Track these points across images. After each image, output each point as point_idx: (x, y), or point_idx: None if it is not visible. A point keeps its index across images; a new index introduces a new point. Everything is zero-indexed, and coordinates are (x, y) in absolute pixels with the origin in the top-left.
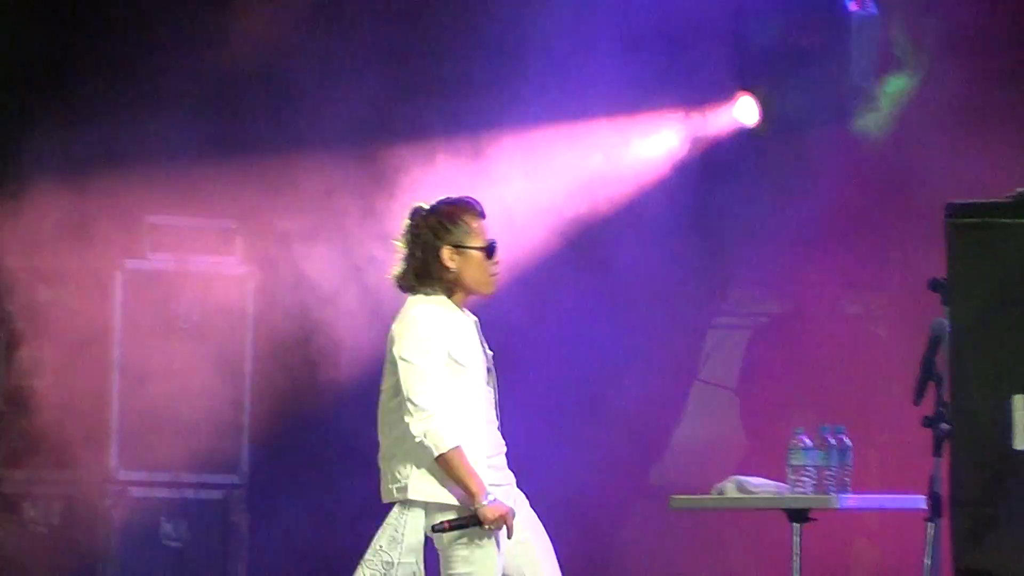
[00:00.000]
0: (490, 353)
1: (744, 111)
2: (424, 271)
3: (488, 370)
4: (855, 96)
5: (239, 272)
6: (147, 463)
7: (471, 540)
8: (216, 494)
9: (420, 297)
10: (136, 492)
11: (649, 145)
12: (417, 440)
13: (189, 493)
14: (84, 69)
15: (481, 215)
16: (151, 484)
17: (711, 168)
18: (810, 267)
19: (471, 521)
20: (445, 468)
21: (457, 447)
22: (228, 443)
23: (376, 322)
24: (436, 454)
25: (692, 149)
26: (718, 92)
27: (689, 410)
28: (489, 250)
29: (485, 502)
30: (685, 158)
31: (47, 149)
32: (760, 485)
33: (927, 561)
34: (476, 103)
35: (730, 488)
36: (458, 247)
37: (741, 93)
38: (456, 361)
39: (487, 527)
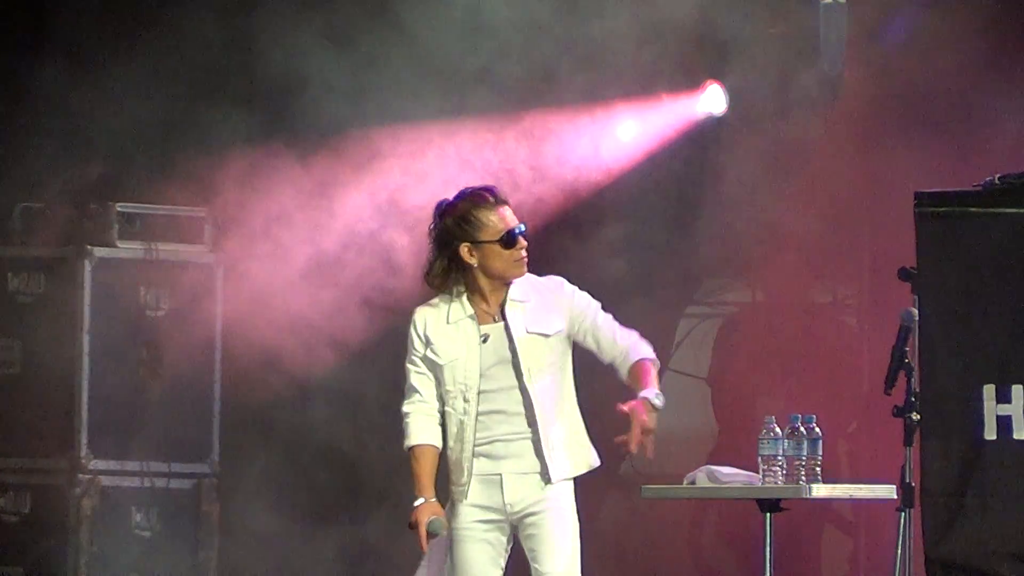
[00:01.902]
0: (515, 339)
1: (712, 100)
2: (450, 270)
3: (508, 360)
4: (824, 84)
5: (208, 260)
6: (117, 452)
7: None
8: (187, 483)
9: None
10: (106, 481)
11: (617, 135)
12: None
13: (160, 483)
14: (50, 55)
15: (496, 204)
16: (121, 473)
17: (680, 157)
18: (780, 256)
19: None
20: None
21: (411, 448)
22: (199, 432)
23: (348, 311)
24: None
25: (660, 138)
26: (686, 81)
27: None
28: (504, 240)
29: (412, 513)
30: (653, 147)
31: (17, 135)
32: (731, 475)
33: (898, 550)
34: (442, 88)
35: (701, 478)
36: (475, 243)
37: (709, 82)
38: (433, 358)
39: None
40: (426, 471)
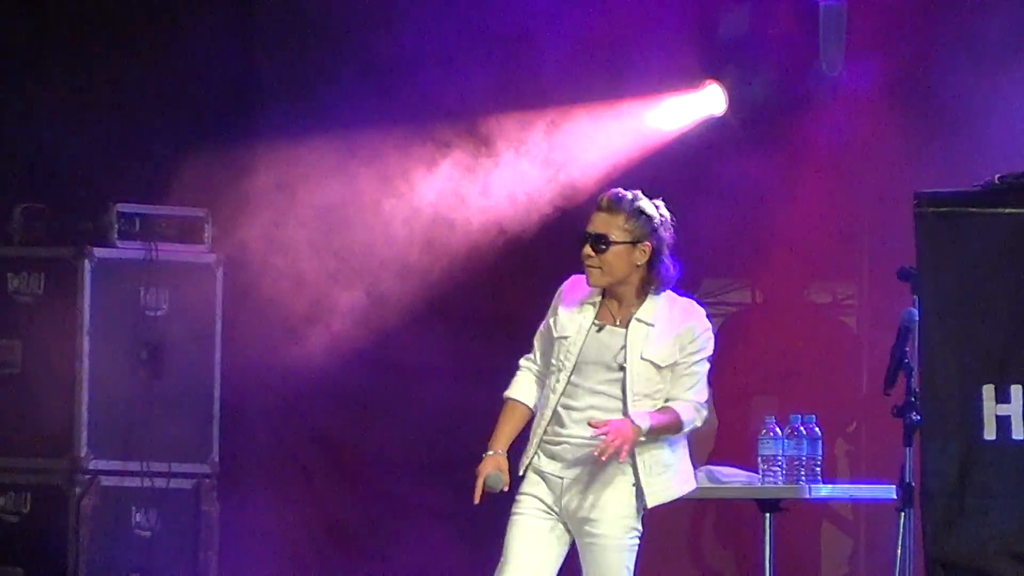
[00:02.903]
0: (632, 356)
1: (712, 100)
2: None
3: (609, 367)
4: (824, 84)
5: (208, 260)
6: (117, 452)
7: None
8: (187, 483)
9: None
10: (106, 481)
11: (615, 134)
12: None
13: (160, 483)
14: (51, 56)
15: (597, 207)
16: (121, 473)
17: (680, 157)
18: (780, 256)
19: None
20: None
21: (508, 398)
22: (199, 432)
23: (348, 310)
24: None
25: (660, 138)
26: (686, 81)
27: None
28: (581, 239)
29: (483, 461)
30: (653, 148)
31: (16, 136)
32: (730, 475)
33: (898, 550)
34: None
35: (701, 478)
36: None
37: (709, 82)
38: (551, 326)
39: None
40: (506, 424)
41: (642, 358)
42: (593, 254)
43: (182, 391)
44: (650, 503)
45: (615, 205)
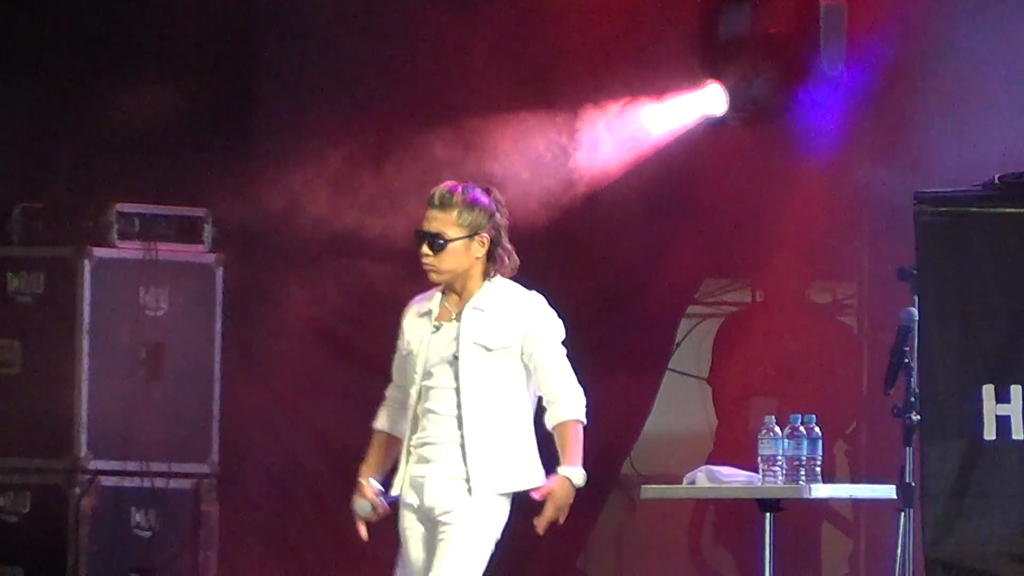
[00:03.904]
0: (461, 343)
1: (713, 100)
2: None
3: (449, 362)
4: (823, 84)
5: (208, 260)
6: (117, 452)
7: None
8: (186, 483)
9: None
10: (106, 481)
11: (616, 134)
12: None
13: (159, 482)
14: (51, 55)
15: (429, 204)
16: (121, 473)
17: (679, 157)
18: (780, 256)
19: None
20: None
21: (374, 428)
22: (199, 432)
23: (348, 310)
24: None
25: (660, 138)
26: (686, 80)
27: (660, 400)
28: (416, 238)
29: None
30: (653, 147)
31: (16, 136)
32: (731, 475)
33: (898, 550)
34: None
35: (701, 478)
36: None
37: (709, 81)
38: (400, 346)
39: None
40: (371, 455)
41: (473, 343)
42: (431, 253)
43: (182, 391)
44: (476, 493)
45: (447, 200)
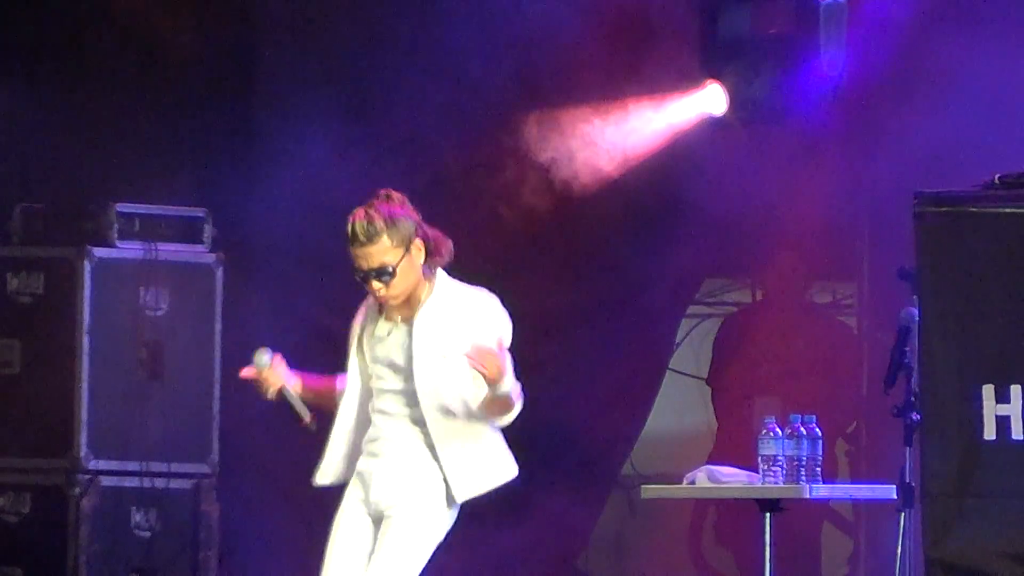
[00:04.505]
0: (413, 347)
1: (713, 100)
2: None
3: (399, 365)
4: (823, 84)
5: (208, 260)
6: (117, 452)
7: None
8: (186, 483)
9: None
10: (106, 481)
11: (616, 134)
12: None
13: (160, 483)
14: (50, 55)
15: (350, 243)
16: (121, 473)
17: (679, 158)
18: (780, 256)
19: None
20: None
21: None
22: (199, 432)
23: (349, 309)
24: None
25: (660, 138)
26: (686, 81)
27: (660, 400)
28: (359, 278)
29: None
30: (653, 148)
31: (16, 136)
32: (731, 475)
33: (898, 550)
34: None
35: (701, 478)
36: None
37: (710, 81)
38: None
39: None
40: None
41: (426, 349)
42: (384, 286)
43: (182, 391)
44: (459, 498)
45: (373, 231)
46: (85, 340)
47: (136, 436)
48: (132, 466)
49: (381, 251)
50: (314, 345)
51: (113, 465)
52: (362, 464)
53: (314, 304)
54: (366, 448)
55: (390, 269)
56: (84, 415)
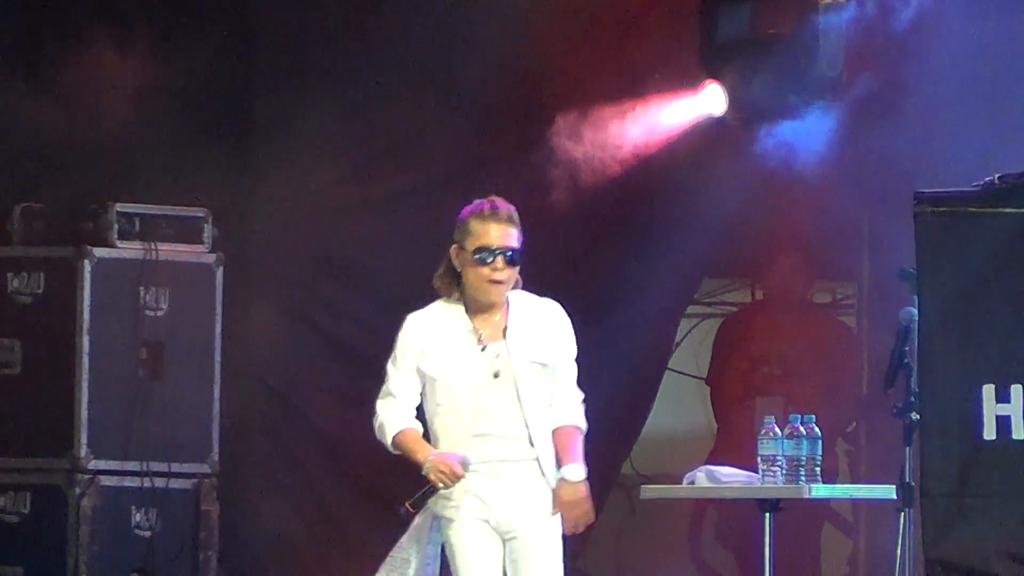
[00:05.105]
0: (500, 373)
1: (712, 100)
2: (446, 274)
3: (507, 382)
4: (824, 84)
5: (208, 260)
6: (117, 452)
7: (440, 522)
8: (187, 483)
9: (416, 312)
10: (106, 481)
11: (616, 135)
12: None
13: (160, 483)
14: (50, 55)
15: (488, 217)
16: (121, 473)
17: (679, 158)
18: (780, 256)
19: (424, 491)
20: (402, 455)
21: (400, 431)
22: (199, 432)
23: (348, 310)
24: (390, 448)
25: (660, 139)
26: (686, 81)
27: (660, 400)
28: (477, 253)
29: (425, 465)
30: (653, 148)
31: (16, 136)
32: (731, 475)
33: (898, 550)
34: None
35: (701, 478)
36: (460, 248)
37: (709, 82)
38: (425, 373)
39: (439, 484)
40: (422, 441)
41: (530, 361)
42: (507, 269)
43: (182, 391)
44: (550, 504)
45: (515, 217)
46: (85, 340)
47: (136, 436)
48: (132, 466)
49: (514, 236)
50: (314, 345)
51: (113, 465)
52: (478, 485)
53: (314, 304)
54: (480, 469)
55: (517, 256)
56: (84, 415)
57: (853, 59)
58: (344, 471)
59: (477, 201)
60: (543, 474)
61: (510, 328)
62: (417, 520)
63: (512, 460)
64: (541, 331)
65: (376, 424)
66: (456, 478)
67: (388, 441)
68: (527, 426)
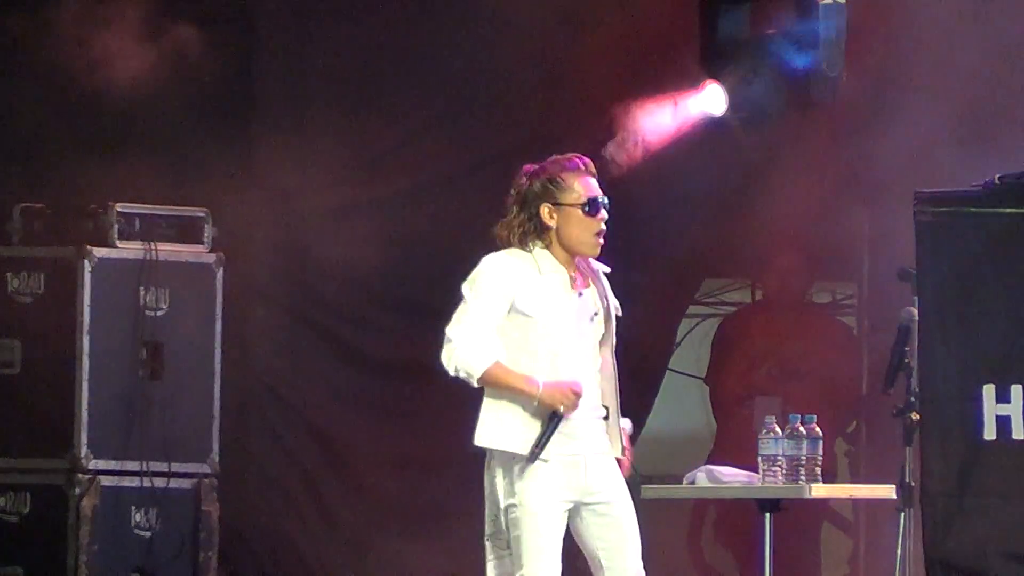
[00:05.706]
0: (598, 312)
1: (712, 100)
2: (529, 230)
3: (595, 332)
4: (823, 84)
5: (208, 260)
6: (117, 452)
7: (515, 472)
8: (187, 483)
9: (498, 252)
10: (106, 481)
11: (616, 135)
12: (452, 375)
13: (160, 482)
14: (50, 55)
15: (585, 172)
16: (121, 473)
17: (679, 158)
18: (780, 256)
19: (548, 426)
20: (492, 387)
21: (492, 364)
22: (199, 432)
23: (349, 309)
24: (476, 383)
25: (660, 139)
26: (686, 80)
27: (660, 400)
28: (587, 207)
29: (539, 391)
30: (652, 148)
31: (16, 136)
32: (731, 475)
33: (898, 550)
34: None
35: (701, 478)
36: (556, 204)
37: (709, 82)
38: (522, 312)
39: (561, 412)
40: (517, 372)
41: (615, 310)
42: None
43: (182, 391)
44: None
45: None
46: (85, 340)
47: (136, 436)
48: (132, 466)
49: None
50: (314, 345)
51: (113, 465)
52: (563, 446)
53: (314, 304)
54: (562, 429)
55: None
56: (84, 415)
57: (853, 59)
58: (344, 471)
59: (555, 158)
60: (616, 434)
61: (596, 277)
62: (487, 474)
63: (594, 416)
64: (608, 287)
65: (453, 353)
66: (579, 398)
67: (477, 372)
68: (608, 376)
